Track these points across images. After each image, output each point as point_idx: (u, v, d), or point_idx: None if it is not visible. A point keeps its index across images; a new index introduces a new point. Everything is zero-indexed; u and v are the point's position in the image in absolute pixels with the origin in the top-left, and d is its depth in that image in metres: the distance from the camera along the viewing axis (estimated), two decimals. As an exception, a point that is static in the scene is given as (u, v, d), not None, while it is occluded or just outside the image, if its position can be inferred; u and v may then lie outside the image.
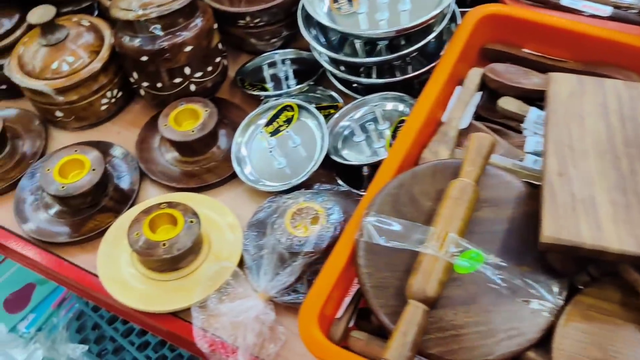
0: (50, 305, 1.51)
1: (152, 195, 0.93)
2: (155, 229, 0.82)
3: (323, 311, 0.67)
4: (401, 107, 0.91)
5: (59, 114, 0.98)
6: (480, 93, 0.86)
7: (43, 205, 0.91)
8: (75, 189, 0.86)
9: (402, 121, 0.90)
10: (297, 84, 1.01)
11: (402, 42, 0.98)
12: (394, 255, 0.68)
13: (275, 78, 1.04)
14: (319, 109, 0.94)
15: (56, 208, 0.90)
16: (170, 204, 0.83)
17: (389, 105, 0.92)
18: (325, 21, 0.92)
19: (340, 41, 1.01)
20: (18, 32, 1.01)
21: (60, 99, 0.95)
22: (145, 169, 0.95)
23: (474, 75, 0.87)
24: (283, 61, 1.04)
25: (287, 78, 1.03)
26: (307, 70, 1.03)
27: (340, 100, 0.99)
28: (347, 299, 0.71)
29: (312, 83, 1.00)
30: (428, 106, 0.81)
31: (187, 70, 0.94)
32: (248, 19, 1.00)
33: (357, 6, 0.96)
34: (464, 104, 0.85)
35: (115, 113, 1.03)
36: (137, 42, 0.91)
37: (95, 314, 1.42)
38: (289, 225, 0.79)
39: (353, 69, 0.99)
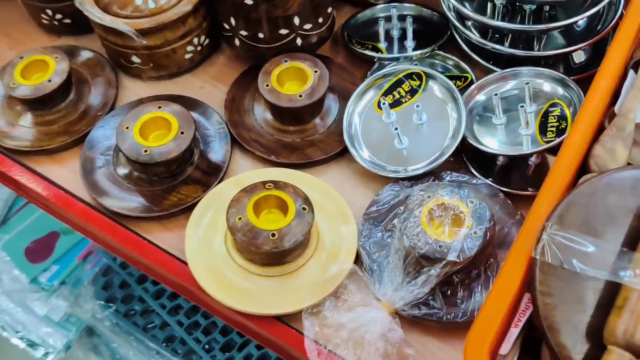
0: (75, 257, 1.38)
1: (243, 167, 0.79)
2: (259, 214, 0.68)
3: (491, 346, 0.54)
4: (561, 90, 0.75)
5: (135, 59, 0.82)
6: (660, 80, 0.71)
7: (116, 169, 0.76)
8: (161, 155, 0.72)
9: (554, 105, 0.75)
10: (416, 46, 0.86)
11: (546, 8, 0.82)
12: (583, 283, 0.54)
13: (387, 37, 0.88)
14: (444, 80, 0.79)
15: (132, 174, 0.76)
16: (277, 185, 0.69)
17: (546, 86, 0.76)
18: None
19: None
20: (89, -44, 0.85)
21: (142, 42, 0.79)
22: (236, 134, 0.79)
23: (653, 57, 0.72)
24: (401, 18, 0.88)
25: (402, 38, 0.87)
26: (425, 31, 0.88)
27: (469, 71, 0.83)
28: (514, 331, 0.57)
29: (435, 48, 0.84)
30: (606, 94, 0.66)
31: (296, 21, 0.78)
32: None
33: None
34: (641, 93, 0.70)
35: (198, 64, 0.87)
36: (240, -20, 0.75)
37: (124, 271, 1.29)
38: (426, 225, 0.65)
39: (481, 34, 0.83)
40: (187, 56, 0.84)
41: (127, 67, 0.84)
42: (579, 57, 0.85)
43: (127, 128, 0.73)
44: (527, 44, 0.84)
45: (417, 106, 0.76)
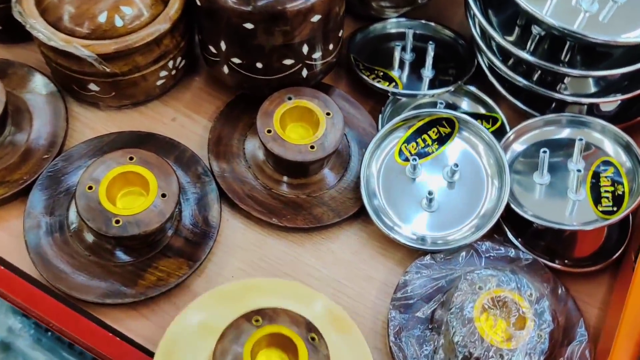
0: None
1: (235, 232, 0.63)
2: (256, 355, 0.51)
3: None
4: (624, 157, 0.63)
5: (93, 87, 0.64)
6: None
7: (72, 235, 0.59)
8: (138, 226, 0.55)
9: (606, 163, 0.64)
10: (435, 76, 0.72)
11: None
12: None
13: (399, 60, 0.73)
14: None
15: (95, 244, 0.59)
16: (266, 316, 0.50)
17: (608, 147, 0.64)
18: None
19: (500, 25, 0.72)
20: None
21: (106, 69, 0.61)
22: (226, 188, 0.64)
23: None
24: (418, 37, 0.73)
25: (417, 63, 0.73)
26: (444, 55, 0.74)
27: (499, 111, 0.71)
28: None
29: (461, 83, 0.71)
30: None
31: (305, 49, 0.62)
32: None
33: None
34: None
35: (170, 88, 0.70)
36: (239, -1, 0.59)
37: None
38: (482, 328, 0.53)
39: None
40: (159, 82, 0.67)
41: (80, 93, 0.66)
42: (609, 104, 0.74)
43: (90, 189, 0.56)
44: (553, 77, 0.73)
45: (456, 165, 0.63)
